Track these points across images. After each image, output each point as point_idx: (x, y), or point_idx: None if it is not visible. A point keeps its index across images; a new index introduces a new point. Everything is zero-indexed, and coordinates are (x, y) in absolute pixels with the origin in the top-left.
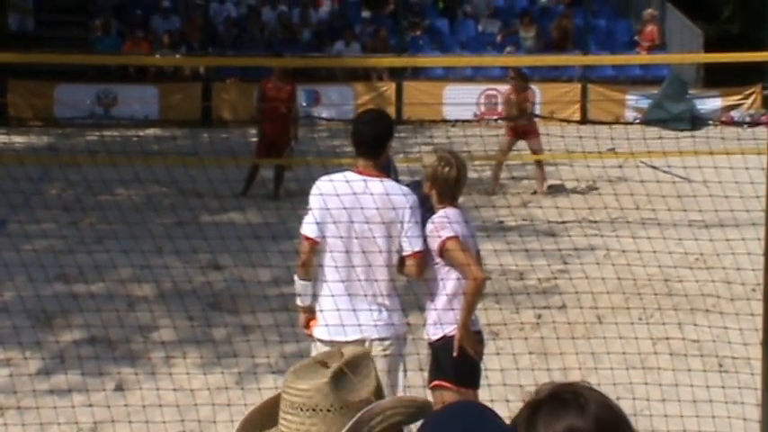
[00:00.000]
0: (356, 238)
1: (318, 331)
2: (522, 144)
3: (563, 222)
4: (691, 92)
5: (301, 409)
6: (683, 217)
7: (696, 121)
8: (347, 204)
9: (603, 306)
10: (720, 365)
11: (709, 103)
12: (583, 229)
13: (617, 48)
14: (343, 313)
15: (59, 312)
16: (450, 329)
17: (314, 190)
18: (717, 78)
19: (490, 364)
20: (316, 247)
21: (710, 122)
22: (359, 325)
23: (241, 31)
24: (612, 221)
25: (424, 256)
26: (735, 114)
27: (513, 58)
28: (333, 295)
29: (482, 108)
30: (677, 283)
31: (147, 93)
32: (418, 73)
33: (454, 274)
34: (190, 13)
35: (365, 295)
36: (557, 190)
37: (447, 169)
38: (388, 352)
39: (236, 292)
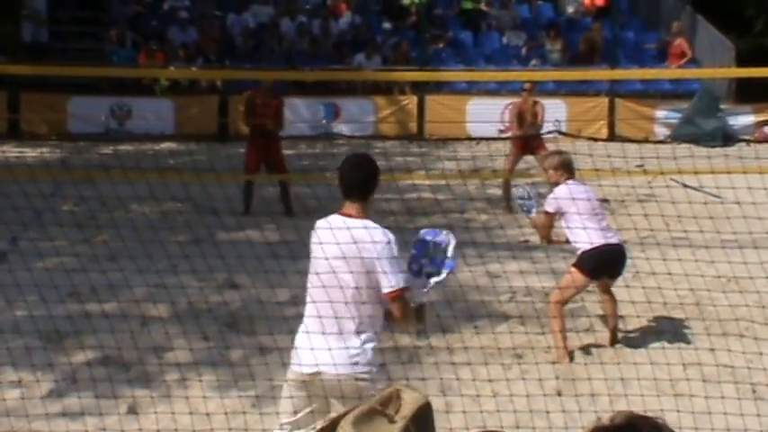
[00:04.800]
0: (326, 273)
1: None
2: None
3: None
4: (722, 107)
5: None
6: (716, 237)
7: (728, 138)
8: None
9: (633, 329)
10: (754, 392)
11: (741, 119)
12: None
13: (646, 61)
14: (304, 347)
15: (72, 332)
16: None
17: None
18: (749, 93)
19: (515, 388)
20: None
21: (744, 140)
22: (315, 362)
23: (259, 42)
24: (642, 241)
25: (403, 295)
26: None
27: (539, 71)
28: (308, 332)
29: (507, 124)
30: (709, 306)
31: (162, 106)
32: (441, 86)
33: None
34: (207, 25)
35: (331, 331)
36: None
37: None
38: (340, 391)
39: (254, 312)
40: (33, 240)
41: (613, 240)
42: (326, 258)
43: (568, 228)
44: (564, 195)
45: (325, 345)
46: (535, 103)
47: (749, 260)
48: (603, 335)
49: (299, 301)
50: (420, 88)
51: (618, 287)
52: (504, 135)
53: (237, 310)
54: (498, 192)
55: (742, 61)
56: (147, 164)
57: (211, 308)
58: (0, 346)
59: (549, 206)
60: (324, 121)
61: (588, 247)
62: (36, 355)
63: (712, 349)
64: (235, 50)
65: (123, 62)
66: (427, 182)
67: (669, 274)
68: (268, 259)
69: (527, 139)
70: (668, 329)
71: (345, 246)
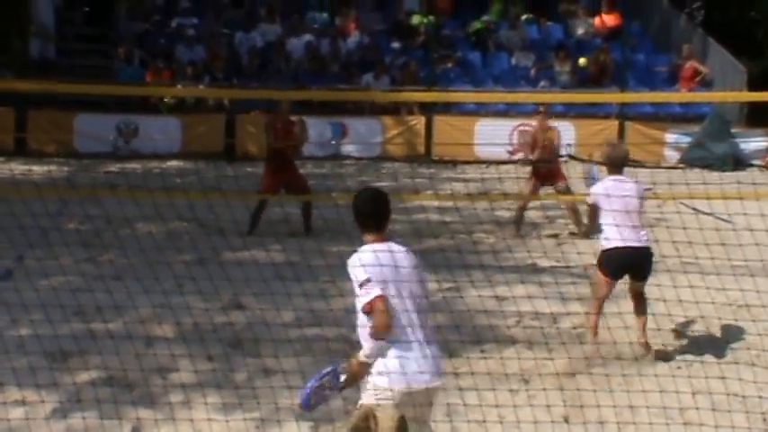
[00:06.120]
0: None
1: None
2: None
3: None
4: (733, 131)
5: None
6: (726, 263)
7: (739, 162)
8: None
9: (641, 355)
10: (765, 421)
11: (753, 144)
12: None
13: (656, 84)
14: None
15: (77, 351)
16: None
17: None
18: (761, 117)
19: (522, 414)
20: None
21: (755, 164)
22: None
23: (266, 61)
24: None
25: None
26: None
27: (548, 93)
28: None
29: (515, 146)
30: (720, 333)
31: (169, 124)
32: (449, 107)
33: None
34: (214, 43)
35: None
36: (595, 232)
37: None
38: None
39: (259, 333)
40: (39, 259)
41: (644, 239)
42: None
43: (602, 222)
44: (600, 191)
45: None
46: (552, 128)
47: (761, 287)
48: (612, 360)
49: (303, 323)
50: (428, 109)
51: (627, 313)
52: (513, 158)
53: (242, 331)
54: (507, 214)
55: (754, 85)
56: (154, 182)
57: (216, 329)
58: (4, 365)
59: (589, 198)
60: (333, 142)
61: (612, 245)
62: (40, 374)
63: (722, 377)
64: (242, 69)
65: (130, 80)
66: (435, 203)
67: (679, 300)
68: (273, 281)
69: (546, 168)
70: (678, 356)
71: None
